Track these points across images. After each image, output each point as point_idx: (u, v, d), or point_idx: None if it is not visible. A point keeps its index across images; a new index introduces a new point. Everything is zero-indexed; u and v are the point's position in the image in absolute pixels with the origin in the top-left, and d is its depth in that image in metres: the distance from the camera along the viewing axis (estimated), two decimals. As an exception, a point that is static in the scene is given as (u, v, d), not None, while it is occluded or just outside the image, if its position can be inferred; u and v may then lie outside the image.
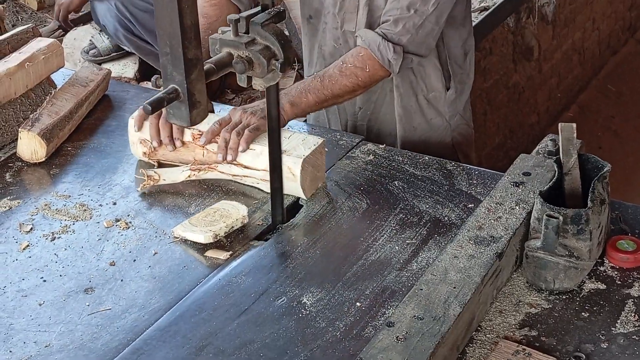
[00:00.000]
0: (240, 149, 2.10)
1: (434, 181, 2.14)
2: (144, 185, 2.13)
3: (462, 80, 2.52)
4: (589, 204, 1.72)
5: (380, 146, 2.31)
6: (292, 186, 2.05)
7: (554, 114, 5.37)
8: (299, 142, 2.09)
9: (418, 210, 2.03)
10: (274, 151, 1.93)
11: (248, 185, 2.13)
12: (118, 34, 3.50)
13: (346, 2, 2.37)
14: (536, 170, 1.94)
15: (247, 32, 1.69)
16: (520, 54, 4.73)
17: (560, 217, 1.69)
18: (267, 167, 1.98)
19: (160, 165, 2.23)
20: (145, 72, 3.68)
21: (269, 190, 2.00)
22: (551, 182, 1.80)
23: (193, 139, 2.16)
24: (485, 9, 4.16)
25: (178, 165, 2.20)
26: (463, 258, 1.69)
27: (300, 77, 3.80)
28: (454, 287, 1.62)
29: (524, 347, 1.59)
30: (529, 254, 1.75)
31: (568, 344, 1.61)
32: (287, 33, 2.43)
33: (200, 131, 2.15)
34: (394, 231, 1.97)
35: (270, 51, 1.69)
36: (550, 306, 1.71)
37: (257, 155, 2.09)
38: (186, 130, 2.16)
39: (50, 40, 2.57)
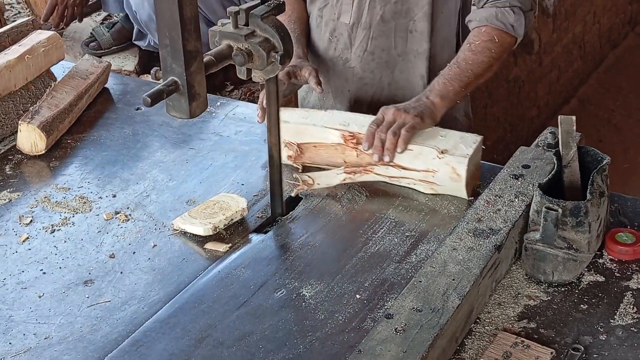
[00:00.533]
0: (398, 150, 2.04)
1: (434, 174, 2.14)
2: (299, 189, 2.07)
3: None
4: (588, 196, 1.72)
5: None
6: (455, 186, 2.01)
7: (554, 108, 5.37)
8: (457, 141, 2.03)
9: (417, 203, 2.03)
10: (273, 143, 1.93)
11: (404, 187, 2.07)
12: (150, 24, 3.45)
13: None
14: (535, 162, 1.94)
15: (246, 25, 1.70)
16: (520, 48, 4.72)
17: (560, 210, 1.69)
18: (427, 167, 2.00)
19: (305, 169, 2.16)
20: (145, 65, 3.69)
21: (427, 192, 2.02)
22: (550, 175, 1.80)
23: (345, 141, 2.10)
24: (486, 2, 4.15)
25: (326, 169, 2.12)
26: (462, 250, 1.70)
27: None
28: (453, 279, 1.62)
29: (523, 339, 1.60)
30: (528, 246, 1.75)
31: (567, 336, 1.61)
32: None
33: (351, 132, 2.10)
34: (393, 223, 1.97)
35: (269, 43, 1.70)
36: (549, 298, 1.71)
37: (416, 156, 2.03)
38: (336, 131, 2.11)
39: (50, 32, 2.57)
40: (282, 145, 2.04)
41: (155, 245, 1.93)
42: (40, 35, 2.52)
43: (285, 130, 2.05)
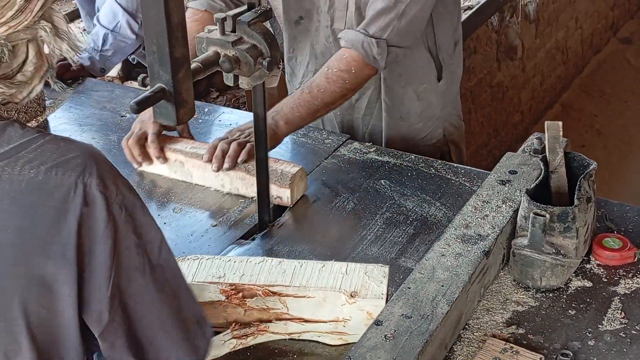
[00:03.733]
0: (240, 158, 2.07)
1: (421, 180, 2.14)
2: None
3: (453, 70, 2.52)
4: (576, 201, 1.73)
5: (367, 144, 2.32)
6: None
7: (537, 113, 5.39)
8: (363, 277, 1.67)
9: (405, 209, 2.03)
10: (260, 151, 1.93)
11: (307, 341, 1.67)
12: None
13: (336, 1, 2.36)
14: (522, 168, 1.94)
15: (233, 31, 1.69)
16: (504, 53, 4.74)
17: (547, 215, 1.69)
18: (336, 317, 1.64)
19: None
20: (129, 71, 3.67)
21: (335, 343, 1.66)
22: (537, 180, 1.80)
23: (227, 297, 1.65)
24: (470, 7, 4.17)
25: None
26: (450, 256, 1.69)
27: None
28: (442, 286, 1.62)
29: (512, 344, 1.60)
30: (515, 252, 1.75)
31: (555, 342, 1.62)
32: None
33: (232, 285, 1.66)
34: (381, 230, 1.97)
35: (257, 50, 1.69)
36: (538, 304, 1.72)
37: (319, 304, 1.64)
38: (211, 286, 1.66)
39: None
40: None
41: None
42: None
43: None
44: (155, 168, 2.21)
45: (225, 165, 2.08)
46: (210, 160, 2.10)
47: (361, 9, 2.32)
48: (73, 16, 3.88)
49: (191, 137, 2.29)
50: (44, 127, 2.48)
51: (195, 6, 2.43)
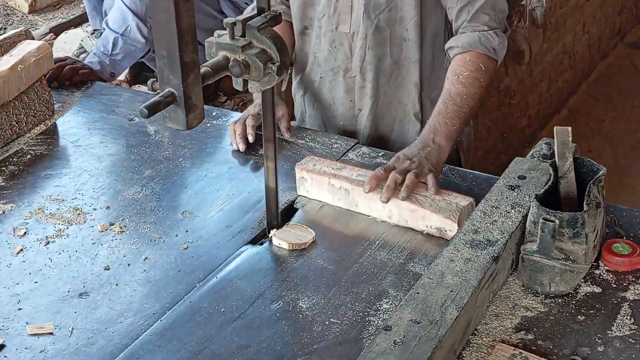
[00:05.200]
0: (431, 190, 1.97)
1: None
2: None
3: None
4: (585, 207, 1.73)
5: (375, 149, 2.31)
6: None
7: (544, 118, 5.38)
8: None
9: (413, 214, 2.03)
10: (269, 156, 1.93)
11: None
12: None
13: (339, 3, 2.37)
14: (531, 173, 1.94)
15: (243, 36, 1.69)
16: (511, 58, 4.74)
17: (557, 221, 1.69)
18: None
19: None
20: (137, 75, 3.68)
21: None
22: (547, 186, 1.80)
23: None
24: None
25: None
26: (459, 261, 1.69)
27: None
28: (451, 291, 1.62)
29: (521, 350, 1.59)
30: (525, 257, 1.75)
31: (565, 348, 1.61)
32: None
33: None
34: (389, 235, 1.96)
35: (266, 54, 1.69)
36: (547, 309, 1.71)
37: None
38: None
39: (39, 42, 2.55)
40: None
41: (148, 258, 1.92)
42: (30, 45, 2.50)
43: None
44: (318, 194, 2.10)
45: (402, 194, 1.96)
46: (371, 190, 1.99)
47: (370, 12, 2.32)
48: (80, 20, 3.89)
49: (289, 124, 2.35)
50: (53, 131, 2.48)
51: None
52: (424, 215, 1.95)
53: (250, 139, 2.32)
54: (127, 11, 3.18)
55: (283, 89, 2.49)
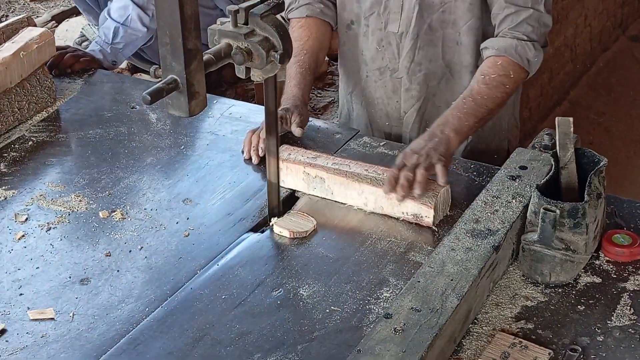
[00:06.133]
0: (441, 180, 1.96)
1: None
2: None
3: None
4: (586, 197, 1.73)
5: (377, 138, 2.32)
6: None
7: (545, 110, 5.38)
8: None
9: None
10: (271, 143, 1.93)
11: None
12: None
13: (390, 2, 2.31)
14: (532, 164, 1.95)
15: (246, 23, 1.69)
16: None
17: (557, 211, 1.69)
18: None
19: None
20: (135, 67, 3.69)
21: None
22: (548, 176, 1.80)
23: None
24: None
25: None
26: (460, 251, 1.70)
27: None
28: (452, 280, 1.62)
29: (521, 339, 1.60)
30: (525, 247, 1.75)
31: (564, 337, 1.62)
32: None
33: None
34: (390, 223, 1.97)
35: (269, 42, 1.69)
36: (547, 299, 1.72)
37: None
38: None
39: (41, 29, 2.55)
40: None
41: (151, 244, 1.93)
42: (32, 32, 2.50)
43: None
44: (293, 184, 2.09)
45: (416, 191, 1.93)
46: (392, 191, 1.95)
47: (423, 11, 2.28)
48: (71, 12, 3.89)
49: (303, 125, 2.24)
50: (55, 118, 2.49)
51: (295, 16, 2.44)
52: (400, 203, 1.96)
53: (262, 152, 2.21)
54: (128, 1, 3.20)
55: (284, 78, 2.48)
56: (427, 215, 1.93)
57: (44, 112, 2.50)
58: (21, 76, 2.42)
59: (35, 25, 2.61)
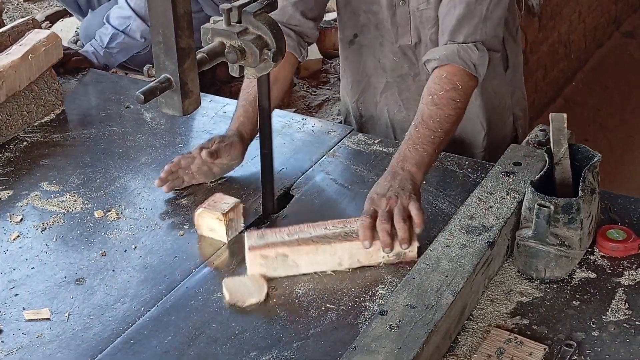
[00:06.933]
0: (418, 230, 1.83)
1: (425, 171, 2.14)
2: None
3: (516, 56, 2.42)
4: (580, 193, 1.73)
5: (371, 136, 2.32)
6: None
7: (540, 107, 5.39)
8: None
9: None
10: (265, 143, 1.93)
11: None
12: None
13: (397, 17, 2.25)
14: (527, 160, 1.95)
15: (239, 22, 1.69)
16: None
17: (552, 206, 1.70)
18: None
19: None
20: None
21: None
22: (542, 172, 1.81)
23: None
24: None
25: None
26: (455, 247, 1.70)
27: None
28: (447, 276, 1.62)
29: (516, 335, 1.60)
30: (520, 243, 1.76)
31: (559, 332, 1.62)
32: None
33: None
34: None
35: (262, 41, 1.69)
36: (542, 295, 1.72)
37: None
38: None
39: (48, 31, 2.54)
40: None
41: (146, 244, 1.93)
42: (38, 35, 2.48)
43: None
44: (254, 268, 1.81)
45: (404, 246, 1.81)
46: (373, 241, 1.81)
47: (418, 27, 2.24)
48: (65, 12, 3.89)
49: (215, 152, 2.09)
50: (50, 118, 2.48)
51: None
52: (379, 247, 1.81)
53: (165, 188, 2.09)
54: (129, 11, 3.22)
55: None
56: (410, 249, 1.82)
57: (52, 114, 2.49)
58: (29, 79, 2.40)
59: (40, 27, 2.60)
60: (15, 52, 2.38)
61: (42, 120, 2.46)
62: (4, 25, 3.05)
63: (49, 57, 2.47)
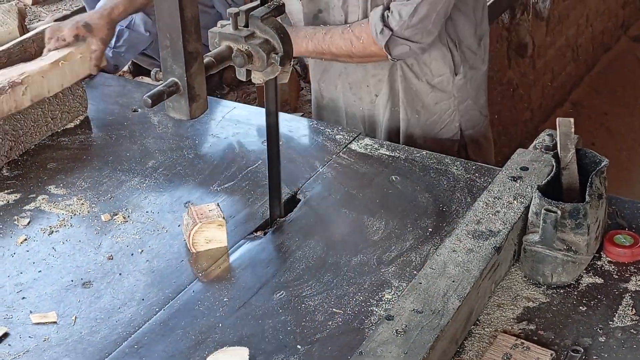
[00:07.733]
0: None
1: (432, 176, 2.14)
2: None
3: (475, 65, 2.51)
4: (587, 198, 1.73)
5: (378, 140, 2.32)
6: None
7: (547, 111, 5.38)
8: None
9: (415, 205, 2.03)
10: (272, 146, 1.93)
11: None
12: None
13: None
14: (534, 164, 1.95)
15: (246, 26, 1.69)
16: (514, 51, 4.73)
17: (559, 212, 1.69)
18: None
19: None
20: (140, 66, 3.68)
21: None
22: (549, 177, 1.80)
23: None
24: (480, 5, 4.15)
25: None
26: (462, 252, 1.70)
27: (296, 72, 3.80)
28: (453, 281, 1.62)
29: (522, 340, 1.60)
30: (527, 248, 1.75)
31: (566, 338, 1.62)
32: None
33: None
34: (391, 226, 1.97)
35: (269, 45, 1.69)
36: (548, 300, 1.72)
37: None
38: None
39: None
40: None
41: (153, 247, 1.93)
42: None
43: None
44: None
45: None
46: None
47: (369, 3, 2.35)
48: (84, 11, 3.88)
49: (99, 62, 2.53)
50: (85, 125, 2.47)
51: None
52: None
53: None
54: None
55: (284, 81, 2.48)
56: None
57: (76, 121, 2.46)
58: (62, 85, 2.38)
59: None
60: (49, 57, 2.37)
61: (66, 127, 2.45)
62: (28, 31, 3.06)
63: (85, 65, 2.46)
